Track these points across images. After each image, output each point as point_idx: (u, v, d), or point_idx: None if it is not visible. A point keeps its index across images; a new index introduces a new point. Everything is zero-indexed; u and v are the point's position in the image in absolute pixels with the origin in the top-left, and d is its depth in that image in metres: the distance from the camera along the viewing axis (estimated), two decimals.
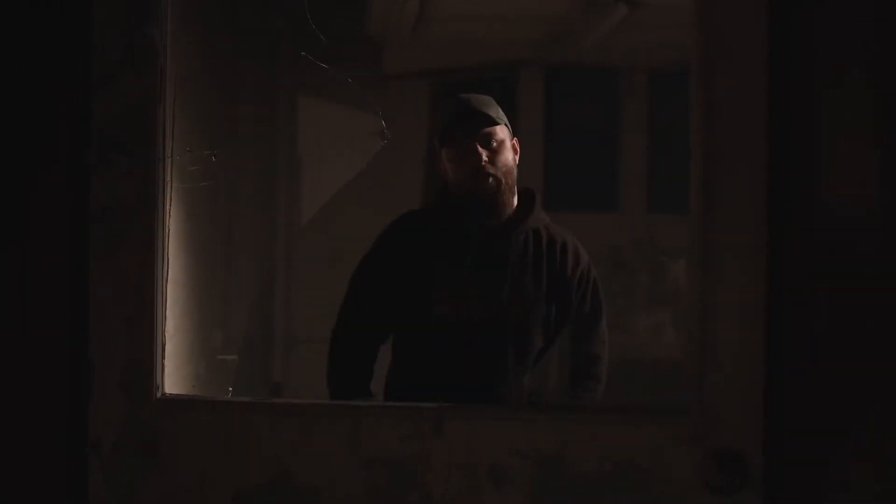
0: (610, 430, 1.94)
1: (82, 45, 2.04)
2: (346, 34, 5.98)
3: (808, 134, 1.88)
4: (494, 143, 2.76)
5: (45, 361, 2.03)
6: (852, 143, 1.87)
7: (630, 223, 6.91)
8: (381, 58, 6.52)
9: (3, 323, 2.02)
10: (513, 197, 2.84)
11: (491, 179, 2.75)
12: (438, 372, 2.74)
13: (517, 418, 2.04)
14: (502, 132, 2.79)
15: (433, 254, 2.80)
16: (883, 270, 1.83)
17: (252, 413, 2.07)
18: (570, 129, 7.19)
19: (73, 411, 2.03)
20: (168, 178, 2.06)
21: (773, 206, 1.89)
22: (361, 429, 2.00)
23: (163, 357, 2.05)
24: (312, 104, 6.08)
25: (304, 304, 5.98)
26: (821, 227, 1.88)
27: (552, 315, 2.84)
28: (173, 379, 2.15)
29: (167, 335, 2.08)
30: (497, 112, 2.81)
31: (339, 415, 2.04)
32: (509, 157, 2.80)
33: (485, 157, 2.75)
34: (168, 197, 2.06)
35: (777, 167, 1.90)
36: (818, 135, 1.89)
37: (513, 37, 6.47)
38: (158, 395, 2.05)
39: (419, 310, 2.77)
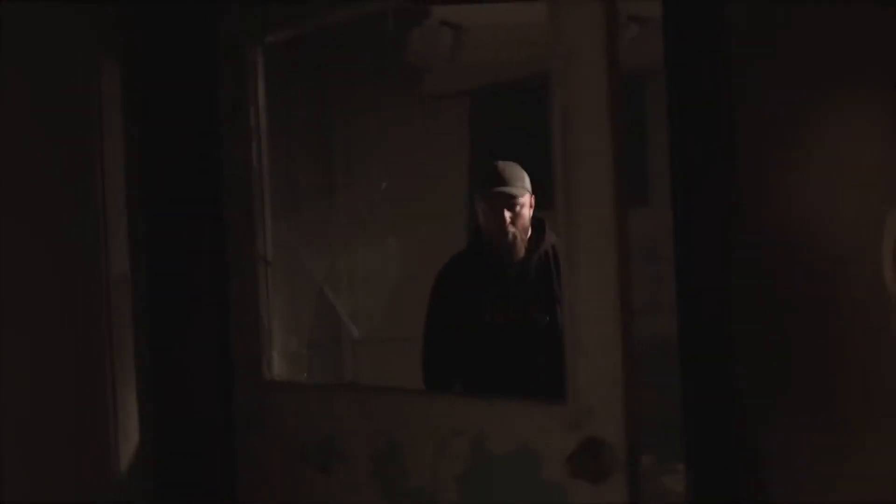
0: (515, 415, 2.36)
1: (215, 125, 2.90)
2: (389, 62, 6.67)
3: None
4: (517, 208, 3.66)
5: (205, 357, 2.92)
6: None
7: (661, 216, 7.42)
8: (422, 80, 7.22)
9: (178, 330, 2.92)
10: (526, 236, 3.70)
11: (510, 235, 3.66)
12: (490, 363, 3.67)
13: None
14: (524, 198, 3.67)
15: (480, 281, 3.72)
16: None
17: (333, 392, 2.89)
18: None
19: (222, 389, 2.93)
20: (266, 222, 2.85)
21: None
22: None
23: (270, 350, 2.84)
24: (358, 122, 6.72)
25: (366, 309, 6.67)
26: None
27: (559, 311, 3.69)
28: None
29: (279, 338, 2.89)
30: (523, 182, 3.67)
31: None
32: (527, 216, 3.69)
33: (508, 219, 3.65)
34: (266, 236, 2.85)
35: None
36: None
37: (539, 56, 7.10)
38: (267, 377, 2.86)
39: (475, 320, 3.70)
